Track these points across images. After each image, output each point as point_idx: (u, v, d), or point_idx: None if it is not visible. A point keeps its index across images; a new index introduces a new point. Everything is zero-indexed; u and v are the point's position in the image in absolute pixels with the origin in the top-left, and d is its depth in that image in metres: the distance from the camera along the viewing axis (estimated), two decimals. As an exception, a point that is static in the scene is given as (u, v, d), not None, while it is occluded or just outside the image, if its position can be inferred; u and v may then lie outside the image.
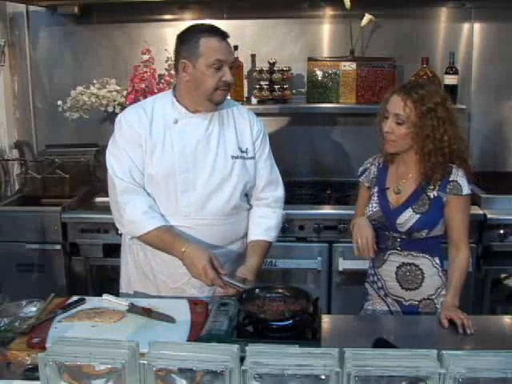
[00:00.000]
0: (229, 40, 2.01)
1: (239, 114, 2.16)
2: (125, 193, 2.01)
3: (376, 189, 2.13)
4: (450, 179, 2.01)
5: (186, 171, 2.02)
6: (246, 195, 2.16)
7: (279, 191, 2.22)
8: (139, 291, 2.14)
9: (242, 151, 2.10)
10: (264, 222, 2.15)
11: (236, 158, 2.08)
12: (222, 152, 2.06)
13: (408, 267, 2.07)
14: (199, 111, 2.05)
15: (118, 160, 2.04)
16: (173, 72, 3.25)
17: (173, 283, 2.06)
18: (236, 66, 3.31)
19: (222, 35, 1.99)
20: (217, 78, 1.97)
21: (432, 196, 2.03)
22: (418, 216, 2.01)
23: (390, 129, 1.99)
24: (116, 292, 2.19)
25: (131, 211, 1.99)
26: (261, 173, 2.17)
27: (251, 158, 2.12)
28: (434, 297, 2.08)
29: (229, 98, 2.20)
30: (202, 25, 2.08)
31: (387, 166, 2.14)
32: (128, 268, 2.19)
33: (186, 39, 2.00)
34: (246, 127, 2.14)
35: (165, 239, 1.97)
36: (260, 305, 1.80)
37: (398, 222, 2.03)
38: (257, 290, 1.87)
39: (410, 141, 1.99)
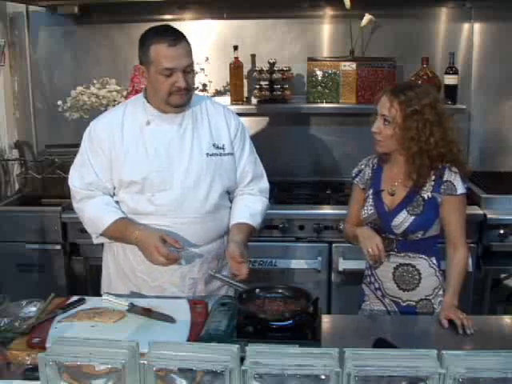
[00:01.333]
0: (183, 43, 1.96)
1: (214, 109, 2.15)
2: (81, 200, 2.08)
3: (371, 191, 2.12)
4: (444, 179, 2.01)
5: (162, 171, 2.02)
6: (229, 193, 2.16)
7: (263, 183, 2.23)
8: (120, 292, 2.13)
9: (217, 148, 2.09)
10: (249, 207, 2.15)
11: (211, 155, 2.07)
12: (197, 150, 2.06)
13: (405, 268, 2.07)
14: (169, 112, 2.05)
15: (80, 172, 2.09)
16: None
17: (152, 281, 2.07)
18: (236, 65, 3.32)
19: (173, 40, 1.93)
20: (169, 84, 1.95)
21: (426, 197, 2.02)
22: (413, 218, 2.01)
23: (377, 129, 2.00)
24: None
25: (88, 213, 2.07)
26: (246, 169, 2.17)
27: (229, 154, 2.11)
28: (431, 297, 2.08)
29: (200, 93, 2.19)
30: (155, 28, 2.03)
31: (381, 167, 2.13)
32: (109, 269, 2.20)
33: (141, 44, 2.01)
34: (221, 123, 2.12)
35: (120, 229, 2.02)
36: (260, 305, 1.79)
37: (393, 224, 2.03)
38: (257, 290, 1.87)
39: (395, 142, 1.99)
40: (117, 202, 2.09)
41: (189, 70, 1.98)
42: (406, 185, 2.04)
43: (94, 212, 2.06)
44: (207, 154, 2.06)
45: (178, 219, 2.04)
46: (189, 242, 2.05)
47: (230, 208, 2.17)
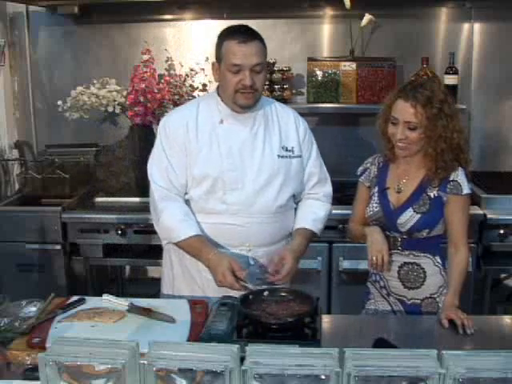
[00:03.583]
0: (254, 43, 1.96)
1: (283, 112, 2.17)
2: (162, 200, 2.07)
3: (376, 189, 2.13)
4: (451, 179, 2.01)
5: (234, 170, 2.04)
6: (294, 195, 2.17)
7: (328, 187, 2.25)
8: (183, 293, 2.14)
9: (287, 150, 2.11)
10: (312, 213, 2.18)
11: (282, 157, 2.09)
12: (268, 151, 2.08)
13: (410, 266, 2.07)
14: (238, 111, 2.05)
15: (159, 166, 2.08)
16: (172, 72, 3.26)
17: None
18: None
19: (245, 38, 1.96)
20: (235, 81, 1.97)
21: (432, 196, 2.03)
22: (419, 216, 2.02)
23: (403, 136, 1.98)
24: (115, 292, 2.19)
25: (167, 218, 2.05)
26: (312, 171, 2.19)
27: (297, 157, 2.13)
28: (436, 295, 2.08)
29: (266, 97, 2.22)
30: (231, 27, 2.06)
31: (387, 166, 2.14)
32: (173, 269, 2.19)
33: (217, 40, 2.03)
34: (290, 126, 2.15)
35: (195, 246, 2.02)
36: (261, 306, 1.79)
37: (399, 222, 2.04)
38: (265, 293, 1.85)
39: (421, 144, 1.99)
40: (187, 201, 2.09)
41: (258, 70, 1.98)
42: (420, 181, 2.05)
43: (171, 222, 2.04)
44: (278, 156, 2.09)
45: (248, 218, 2.05)
46: (258, 241, 2.07)
47: (294, 209, 2.19)
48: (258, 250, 2.08)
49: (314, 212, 2.18)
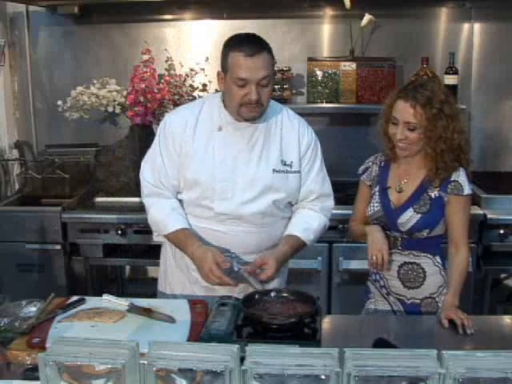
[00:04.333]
0: (262, 55, 1.90)
1: (289, 124, 2.09)
2: (150, 195, 2.10)
3: (377, 188, 2.13)
4: (452, 179, 2.02)
5: (225, 179, 2.01)
6: (292, 205, 2.14)
7: (328, 202, 2.18)
8: (175, 289, 2.16)
9: (285, 165, 2.06)
10: (305, 222, 2.11)
11: (277, 171, 2.04)
12: (264, 164, 2.03)
13: (410, 266, 2.08)
14: (241, 121, 2.02)
15: (152, 164, 2.09)
16: (172, 72, 3.26)
17: (204, 281, 2.03)
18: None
19: (252, 50, 1.88)
20: (241, 95, 1.92)
21: (433, 196, 2.03)
22: (419, 216, 2.02)
23: (403, 136, 1.98)
24: (115, 292, 2.19)
25: (155, 213, 2.08)
26: (311, 189, 2.11)
27: (295, 172, 2.07)
28: (435, 295, 2.08)
29: (277, 104, 2.15)
30: (238, 36, 1.99)
31: (389, 165, 2.14)
32: (167, 264, 2.21)
33: (223, 49, 1.98)
34: (293, 139, 2.08)
35: (180, 239, 2.03)
36: (262, 306, 1.79)
37: (399, 221, 2.04)
38: (272, 294, 1.84)
39: (421, 144, 1.99)
40: (180, 201, 2.10)
41: (264, 84, 1.92)
42: (421, 181, 2.05)
43: (160, 215, 2.07)
44: (273, 170, 2.04)
45: (236, 227, 2.04)
46: (245, 249, 2.06)
47: (288, 219, 2.14)
48: (243, 257, 2.06)
49: (307, 222, 2.11)
